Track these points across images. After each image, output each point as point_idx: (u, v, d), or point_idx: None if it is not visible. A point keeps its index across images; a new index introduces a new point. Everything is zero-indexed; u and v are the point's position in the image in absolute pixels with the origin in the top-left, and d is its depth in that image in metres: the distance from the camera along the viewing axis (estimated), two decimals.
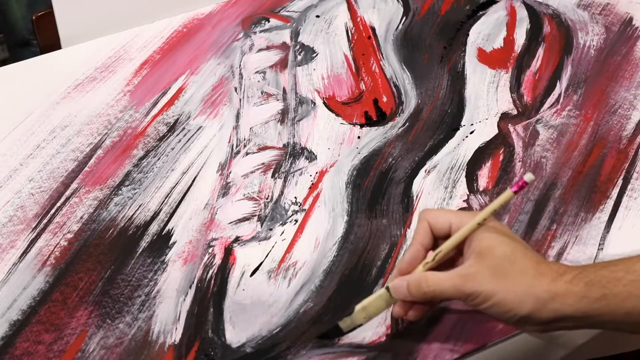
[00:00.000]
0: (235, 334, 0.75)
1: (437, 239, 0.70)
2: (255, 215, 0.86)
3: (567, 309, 0.64)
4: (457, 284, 0.66)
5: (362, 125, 0.97)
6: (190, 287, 0.79)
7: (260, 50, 1.08)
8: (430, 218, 0.70)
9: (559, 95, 1.01)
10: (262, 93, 1.01)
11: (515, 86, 1.02)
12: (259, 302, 0.78)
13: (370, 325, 0.74)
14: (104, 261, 0.81)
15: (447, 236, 0.69)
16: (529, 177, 0.66)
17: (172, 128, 0.96)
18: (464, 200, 0.87)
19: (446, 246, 0.68)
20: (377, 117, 0.98)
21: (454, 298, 0.67)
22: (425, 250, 0.70)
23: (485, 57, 1.07)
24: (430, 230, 0.70)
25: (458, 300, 0.67)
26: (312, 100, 1.00)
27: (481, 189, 0.89)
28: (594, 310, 0.64)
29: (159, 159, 0.92)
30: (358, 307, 0.70)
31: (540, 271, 0.65)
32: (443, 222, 0.70)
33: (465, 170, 0.91)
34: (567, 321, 0.65)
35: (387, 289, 0.69)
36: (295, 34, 1.11)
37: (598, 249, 0.82)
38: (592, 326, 0.67)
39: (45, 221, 0.85)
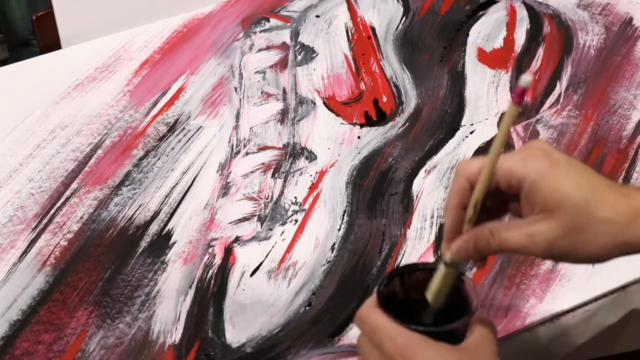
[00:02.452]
0: (235, 334, 0.75)
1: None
2: (255, 215, 0.86)
3: None
4: (527, 246, 0.57)
5: (362, 125, 0.97)
6: (190, 287, 0.79)
7: (260, 50, 1.08)
8: (469, 173, 0.60)
9: (559, 95, 1.01)
10: (262, 93, 1.01)
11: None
12: (259, 302, 0.78)
13: None
14: (104, 261, 0.81)
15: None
16: (524, 80, 0.54)
17: (172, 128, 0.96)
18: None
19: (478, 191, 0.58)
20: (377, 117, 0.98)
21: (526, 255, 0.61)
22: (464, 209, 0.60)
23: (485, 57, 1.07)
24: (470, 186, 0.60)
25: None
26: (312, 100, 1.00)
27: None
28: None
29: (159, 159, 0.92)
30: (430, 298, 0.62)
31: (622, 213, 0.56)
32: (476, 168, 0.59)
33: None
34: None
35: (446, 264, 0.61)
36: (295, 34, 1.11)
37: None
38: None
39: (45, 221, 0.85)
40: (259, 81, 1.03)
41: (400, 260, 0.81)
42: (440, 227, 0.84)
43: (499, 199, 0.61)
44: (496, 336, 0.59)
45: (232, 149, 0.94)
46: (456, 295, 0.62)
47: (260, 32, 1.11)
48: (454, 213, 0.60)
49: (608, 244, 0.56)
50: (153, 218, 0.86)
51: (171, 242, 0.83)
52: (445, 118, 0.98)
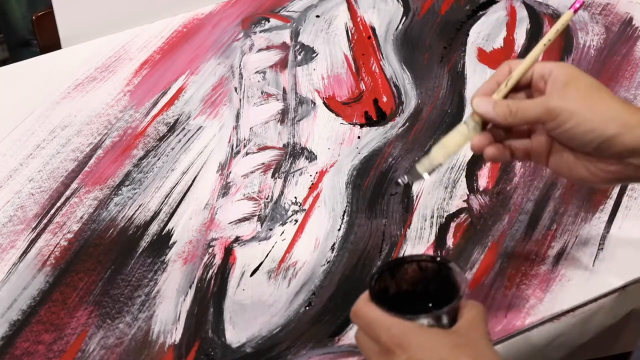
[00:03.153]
0: (235, 334, 0.75)
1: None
2: (255, 215, 0.86)
3: None
4: (543, 101, 0.64)
5: (362, 125, 0.97)
6: (190, 287, 0.79)
7: (260, 50, 1.08)
8: (511, 62, 0.68)
9: None
10: (262, 93, 1.01)
11: None
12: (259, 302, 0.78)
13: None
14: (104, 261, 0.81)
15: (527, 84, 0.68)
16: None
17: (172, 128, 0.96)
18: (464, 200, 0.87)
19: (518, 71, 0.67)
20: (377, 117, 0.98)
21: (538, 118, 0.64)
22: (499, 86, 0.68)
23: (485, 57, 1.07)
24: (509, 71, 0.68)
25: (542, 121, 0.64)
26: (312, 100, 1.00)
27: (481, 189, 0.89)
28: None
29: (159, 159, 0.92)
30: (436, 146, 0.68)
31: (625, 103, 0.64)
32: (520, 61, 0.67)
33: (465, 170, 0.91)
34: None
35: (466, 123, 0.67)
36: (295, 34, 1.11)
37: (598, 249, 0.82)
38: None
39: (45, 221, 0.85)
40: (259, 81, 1.03)
41: None
42: (441, 227, 0.84)
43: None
44: (486, 317, 0.61)
45: (232, 149, 0.94)
46: (444, 283, 0.64)
47: (260, 32, 1.11)
48: (491, 83, 0.68)
49: (610, 113, 0.63)
50: (153, 218, 0.86)
51: (171, 242, 0.83)
52: (445, 118, 0.98)
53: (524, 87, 0.68)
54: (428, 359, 0.57)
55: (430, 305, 0.64)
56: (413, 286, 0.65)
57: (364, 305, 0.61)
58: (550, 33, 0.68)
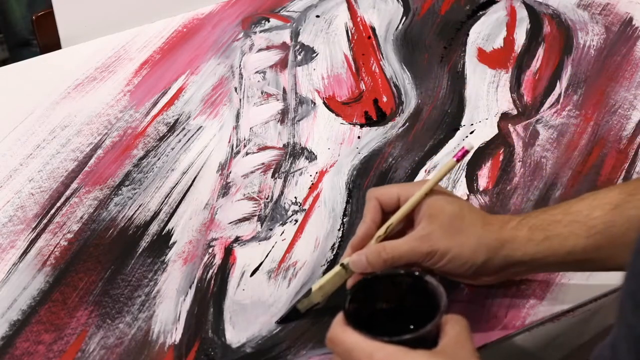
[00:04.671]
0: (235, 334, 0.75)
1: (386, 215, 0.72)
2: (255, 215, 0.86)
3: (515, 253, 0.68)
4: (414, 246, 0.68)
5: (362, 125, 0.97)
6: (190, 287, 0.79)
7: (260, 50, 1.08)
8: (378, 195, 0.72)
9: (559, 95, 1.01)
10: (262, 93, 1.01)
11: (515, 86, 1.02)
12: (259, 302, 0.78)
13: None
14: (104, 261, 0.81)
15: (396, 210, 0.71)
16: (468, 144, 0.70)
17: (172, 128, 0.96)
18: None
19: (396, 217, 0.70)
20: (377, 117, 0.98)
21: (412, 260, 0.68)
22: (377, 227, 0.71)
23: (485, 57, 1.07)
24: (380, 207, 0.71)
25: (415, 262, 0.68)
26: (312, 100, 1.00)
27: (481, 189, 0.89)
28: (539, 252, 0.68)
29: (159, 159, 0.92)
30: (315, 287, 0.72)
31: (487, 221, 0.69)
32: (391, 196, 0.71)
33: (465, 170, 0.91)
34: (517, 266, 0.70)
35: (342, 265, 0.70)
36: (295, 34, 1.11)
37: None
38: (539, 269, 0.74)
39: (45, 221, 0.85)
40: (259, 81, 1.03)
41: None
42: None
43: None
44: (469, 332, 0.60)
45: (232, 149, 0.94)
46: (422, 298, 0.62)
47: (260, 32, 1.11)
48: (365, 227, 0.71)
49: (476, 242, 0.68)
50: (153, 218, 0.86)
51: (171, 242, 0.83)
52: (445, 118, 0.98)
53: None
54: None
55: (408, 321, 0.61)
56: (388, 303, 0.63)
57: (341, 330, 0.59)
58: (431, 182, 0.70)
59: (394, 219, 0.70)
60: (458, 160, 0.69)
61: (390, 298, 0.64)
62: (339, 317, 0.60)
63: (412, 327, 0.60)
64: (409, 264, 0.69)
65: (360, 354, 0.57)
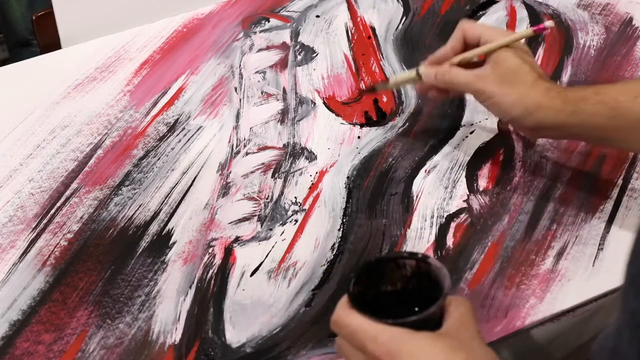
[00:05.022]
0: (235, 334, 0.75)
1: (467, 46, 0.85)
2: (255, 215, 0.86)
3: (546, 119, 0.79)
4: (470, 81, 0.83)
5: (362, 125, 0.97)
6: (190, 287, 0.79)
7: (260, 50, 1.08)
8: (466, 27, 0.85)
9: None
10: (262, 93, 1.01)
11: None
12: (259, 302, 0.78)
13: None
14: (104, 261, 0.81)
15: (475, 46, 0.84)
16: (549, 23, 0.84)
17: (172, 128, 0.96)
18: (464, 200, 0.87)
19: (469, 54, 0.84)
20: (377, 117, 0.98)
21: (465, 91, 0.87)
22: (454, 54, 0.85)
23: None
24: (463, 38, 0.85)
25: (466, 92, 0.88)
26: (312, 100, 1.00)
27: (481, 189, 0.89)
28: (568, 122, 0.78)
29: (159, 159, 0.92)
30: (392, 79, 0.96)
31: (537, 84, 0.80)
32: (474, 33, 0.84)
33: (465, 170, 0.91)
34: (548, 130, 0.81)
35: (417, 71, 0.87)
36: (295, 34, 1.11)
37: (598, 249, 0.82)
38: (568, 136, 0.86)
39: (45, 221, 0.85)
40: (259, 81, 1.03)
41: None
42: (441, 227, 0.84)
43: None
44: (473, 314, 0.60)
45: (232, 149, 0.94)
46: (426, 281, 0.61)
47: (260, 32, 1.11)
48: (445, 49, 0.86)
49: (515, 99, 0.79)
50: (153, 218, 0.86)
51: (171, 242, 0.83)
52: (445, 118, 0.98)
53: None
54: None
55: (412, 303, 0.61)
56: (392, 286, 0.63)
57: (345, 313, 0.59)
58: (512, 38, 0.83)
59: (468, 55, 0.84)
60: (535, 32, 0.83)
61: (394, 281, 0.63)
62: (344, 300, 0.60)
63: (416, 309, 0.60)
64: (463, 91, 0.90)
65: (365, 336, 0.57)
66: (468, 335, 0.58)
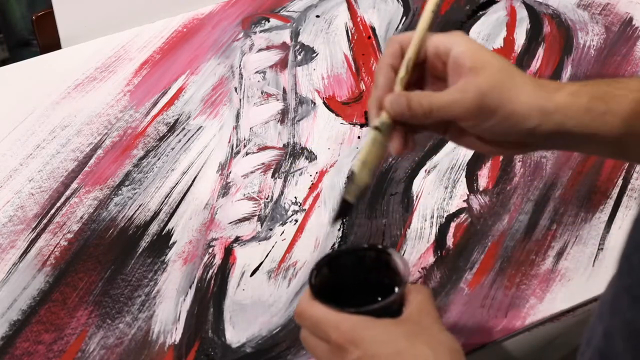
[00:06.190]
0: (235, 334, 0.75)
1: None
2: (255, 215, 0.86)
3: (568, 122, 0.59)
4: (458, 99, 0.60)
5: (362, 125, 0.97)
6: (190, 287, 0.79)
7: (260, 50, 1.08)
8: (400, 39, 0.63)
9: None
10: (262, 93, 1.01)
11: None
12: (259, 302, 0.78)
13: None
14: (104, 261, 0.81)
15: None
16: None
17: (172, 128, 0.96)
18: (464, 200, 0.87)
19: (412, 48, 0.61)
20: None
21: (456, 115, 0.60)
22: (395, 71, 0.62)
23: None
24: (400, 50, 0.62)
25: (458, 117, 0.60)
26: (312, 100, 1.00)
27: (481, 189, 0.89)
28: (596, 126, 0.59)
29: (159, 159, 0.92)
30: (356, 166, 0.62)
31: (540, 83, 0.61)
32: (409, 36, 0.62)
33: (465, 170, 0.91)
34: (562, 138, 0.60)
35: (376, 127, 0.61)
36: (295, 34, 1.11)
37: (598, 249, 0.82)
38: (578, 147, 0.65)
39: (45, 221, 0.85)
40: (259, 81, 1.03)
41: None
42: (441, 227, 0.84)
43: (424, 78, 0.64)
44: (432, 300, 0.60)
45: (232, 149, 0.94)
46: (387, 272, 0.62)
47: (260, 32, 1.11)
48: (386, 71, 0.62)
49: (530, 102, 0.59)
50: (153, 218, 0.86)
51: (171, 242, 0.83)
52: None
53: (418, 64, 0.63)
54: (383, 352, 0.55)
55: (374, 294, 0.62)
56: (353, 278, 0.63)
57: (308, 305, 0.59)
58: (427, 11, 0.62)
59: (410, 51, 0.61)
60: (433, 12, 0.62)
61: (356, 273, 0.64)
62: (306, 292, 0.60)
63: (379, 299, 0.61)
64: (448, 118, 0.61)
65: (327, 325, 0.57)
66: (428, 320, 0.58)
